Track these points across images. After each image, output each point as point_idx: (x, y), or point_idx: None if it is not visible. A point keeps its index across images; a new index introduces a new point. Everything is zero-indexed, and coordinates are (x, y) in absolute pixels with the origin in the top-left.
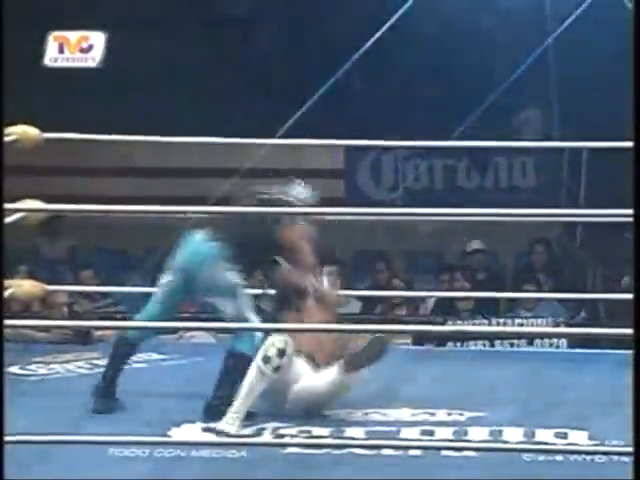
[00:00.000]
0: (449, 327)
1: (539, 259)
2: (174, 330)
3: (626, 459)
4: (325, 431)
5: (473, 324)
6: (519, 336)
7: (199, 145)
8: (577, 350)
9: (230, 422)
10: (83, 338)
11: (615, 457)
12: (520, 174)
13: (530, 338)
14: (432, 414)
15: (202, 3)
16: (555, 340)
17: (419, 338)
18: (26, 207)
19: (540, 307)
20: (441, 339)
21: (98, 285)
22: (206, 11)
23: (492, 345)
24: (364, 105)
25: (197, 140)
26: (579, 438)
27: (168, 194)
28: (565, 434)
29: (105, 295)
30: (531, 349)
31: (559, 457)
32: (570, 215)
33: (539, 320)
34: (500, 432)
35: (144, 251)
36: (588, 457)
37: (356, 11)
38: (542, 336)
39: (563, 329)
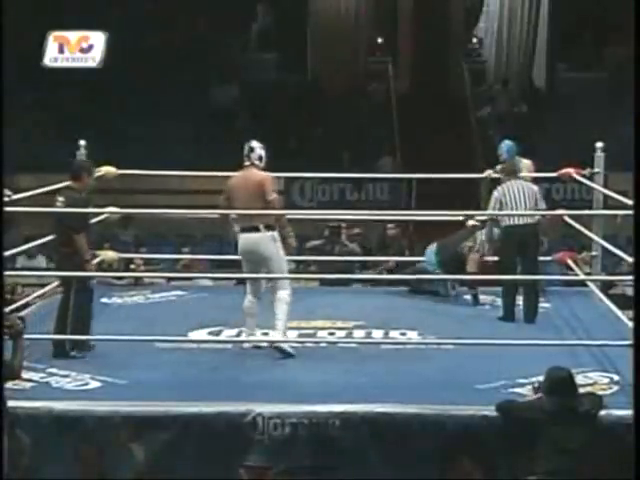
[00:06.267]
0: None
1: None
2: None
3: (443, 347)
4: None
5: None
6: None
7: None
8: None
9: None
10: (138, 282)
11: (434, 346)
12: (380, 193)
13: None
14: (334, 323)
15: None
16: None
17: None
18: (109, 210)
19: None
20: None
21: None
22: None
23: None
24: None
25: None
26: (413, 335)
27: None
28: (405, 333)
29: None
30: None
31: (401, 346)
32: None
33: None
34: (370, 333)
35: (175, 236)
36: (420, 346)
37: None
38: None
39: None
